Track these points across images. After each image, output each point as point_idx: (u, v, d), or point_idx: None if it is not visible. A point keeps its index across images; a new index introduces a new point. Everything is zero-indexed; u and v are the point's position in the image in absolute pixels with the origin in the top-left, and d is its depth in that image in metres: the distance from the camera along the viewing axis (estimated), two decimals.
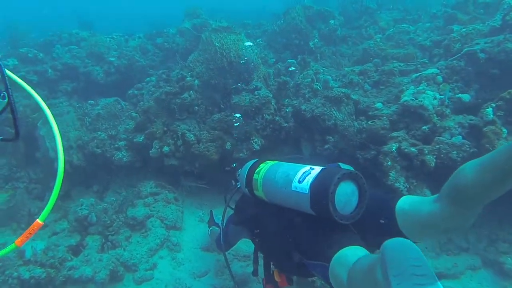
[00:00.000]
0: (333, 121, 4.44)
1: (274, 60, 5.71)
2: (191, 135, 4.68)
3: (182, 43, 6.49)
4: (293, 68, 5.78)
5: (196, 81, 5.07)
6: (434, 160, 3.64)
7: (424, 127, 3.86)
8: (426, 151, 3.68)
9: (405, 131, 4.00)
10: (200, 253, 4.42)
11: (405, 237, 1.77)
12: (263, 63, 5.60)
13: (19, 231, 4.69)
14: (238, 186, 2.89)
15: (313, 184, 2.01)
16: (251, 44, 5.56)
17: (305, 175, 2.10)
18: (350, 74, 5.01)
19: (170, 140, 4.79)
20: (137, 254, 4.14)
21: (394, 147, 3.84)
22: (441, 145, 3.67)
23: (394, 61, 5.35)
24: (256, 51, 5.42)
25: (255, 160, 2.76)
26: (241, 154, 4.69)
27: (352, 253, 1.80)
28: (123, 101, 5.79)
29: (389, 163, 3.83)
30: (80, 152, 5.06)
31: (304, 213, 2.12)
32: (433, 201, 1.85)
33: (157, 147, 4.80)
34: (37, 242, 4.30)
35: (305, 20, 6.79)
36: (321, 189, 1.95)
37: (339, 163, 3.78)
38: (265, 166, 2.51)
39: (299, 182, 2.08)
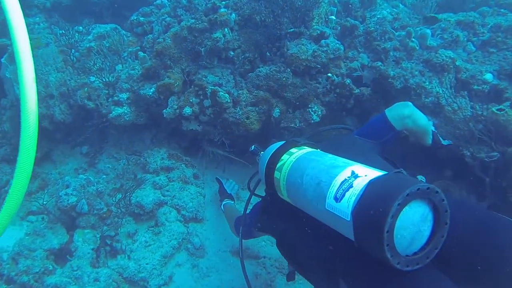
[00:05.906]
0: (433, 98, 3.14)
1: None
2: (225, 95, 3.29)
3: None
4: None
5: (234, 14, 3.55)
6: None
7: None
8: None
9: None
10: (230, 260, 3.28)
11: None
12: None
13: None
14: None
15: (358, 208, 1.24)
16: None
17: (344, 187, 1.32)
18: (452, 27, 3.56)
19: (194, 98, 3.38)
20: (146, 264, 2.95)
21: None
22: None
23: (502, 10, 3.92)
24: None
25: (278, 145, 1.86)
26: (292, 125, 3.41)
27: None
28: (124, 31, 4.21)
29: None
30: (64, 103, 3.61)
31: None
32: None
33: (174, 106, 3.41)
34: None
35: None
36: (372, 221, 1.18)
37: None
38: (288, 160, 1.71)
39: (336, 199, 1.32)
